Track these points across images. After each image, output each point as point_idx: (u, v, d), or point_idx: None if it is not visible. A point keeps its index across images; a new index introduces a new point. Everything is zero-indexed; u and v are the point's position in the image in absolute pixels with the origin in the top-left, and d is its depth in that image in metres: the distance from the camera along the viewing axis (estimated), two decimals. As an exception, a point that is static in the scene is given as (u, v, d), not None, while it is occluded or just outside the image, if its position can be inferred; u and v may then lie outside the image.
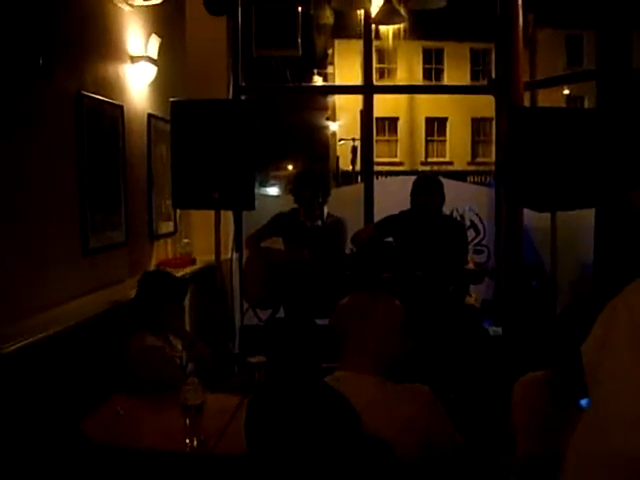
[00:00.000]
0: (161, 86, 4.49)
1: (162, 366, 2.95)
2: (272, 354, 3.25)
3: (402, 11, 4.78)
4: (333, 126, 25.59)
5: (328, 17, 8.43)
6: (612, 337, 1.04)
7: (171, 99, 4.08)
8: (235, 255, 5.21)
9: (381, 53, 24.91)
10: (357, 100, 5.64)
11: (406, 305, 2.31)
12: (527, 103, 5.51)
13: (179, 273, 4.38)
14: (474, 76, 26.85)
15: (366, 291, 2.21)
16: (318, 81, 21.94)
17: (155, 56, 4.27)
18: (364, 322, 2.06)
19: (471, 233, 5.48)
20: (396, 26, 5.24)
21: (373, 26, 5.35)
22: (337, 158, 25.31)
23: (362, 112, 5.51)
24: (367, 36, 5.36)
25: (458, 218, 5.44)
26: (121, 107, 3.92)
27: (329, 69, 25.78)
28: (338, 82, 24.50)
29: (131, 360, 2.94)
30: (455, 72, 26.83)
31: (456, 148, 27.88)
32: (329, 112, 25.40)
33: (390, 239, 4.49)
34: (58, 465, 1.87)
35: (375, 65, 7.64)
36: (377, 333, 2.04)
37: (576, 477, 1.01)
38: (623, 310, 1.04)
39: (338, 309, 2.14)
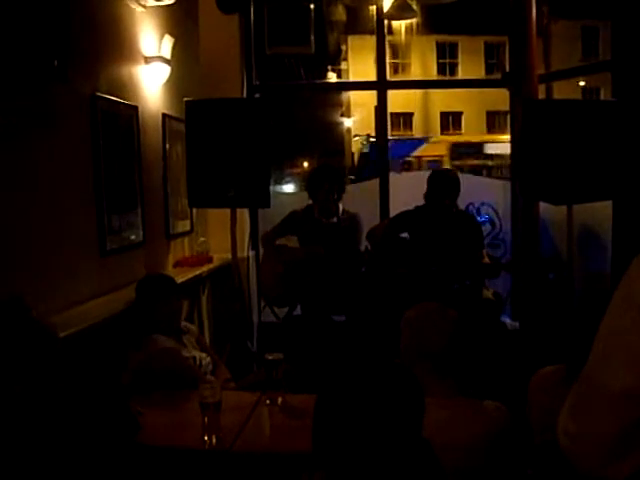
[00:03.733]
0: (175, 86, 4.50)
1: (178, 368, 2.98)
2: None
3: (414, 6, 4.77)
4: (348, 122, 25.52)
5: (340, 13, 8.41)
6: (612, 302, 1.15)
7: (185, 99, 4.10)
8: (251, 253, 5.23)
9: (395, 48, 24.87)
10: (372, 96, 5.59)
11: (422, 301, 2.31)
12: (542, 95, 5.48)
13: (196, 272, 4.41)
14: (489, 69, 26.72)
15: (424, 304, 2.23)
16: (332, 77, 21.87)
17: (168, 56, 4.29)
18: (416, 340, 2.11)
19: (487, 227, 5.45)
20: (409, 21, 5.21)
21: (386, 21, 5.34)
22: (352, 154, 25.26)
23: (376, 108, 5.48)
24: (380, 32, 5.34)
25: (474, 212, 5.42)
26: (136, 107, 3.95)
27: (343, 65, 25.73)
28: (352, 78, 24.49)
29: (146, 361, 2.97)
30: (469, 66, 26.72)
31: (471, 142, 27.75)
32: (343, 108, 25.34)
33: (405, 234, 4.48)
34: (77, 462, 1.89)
35: (389, 60, 7.63)
36: (432, 350, 2.08)
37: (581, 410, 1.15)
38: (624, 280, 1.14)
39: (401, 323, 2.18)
